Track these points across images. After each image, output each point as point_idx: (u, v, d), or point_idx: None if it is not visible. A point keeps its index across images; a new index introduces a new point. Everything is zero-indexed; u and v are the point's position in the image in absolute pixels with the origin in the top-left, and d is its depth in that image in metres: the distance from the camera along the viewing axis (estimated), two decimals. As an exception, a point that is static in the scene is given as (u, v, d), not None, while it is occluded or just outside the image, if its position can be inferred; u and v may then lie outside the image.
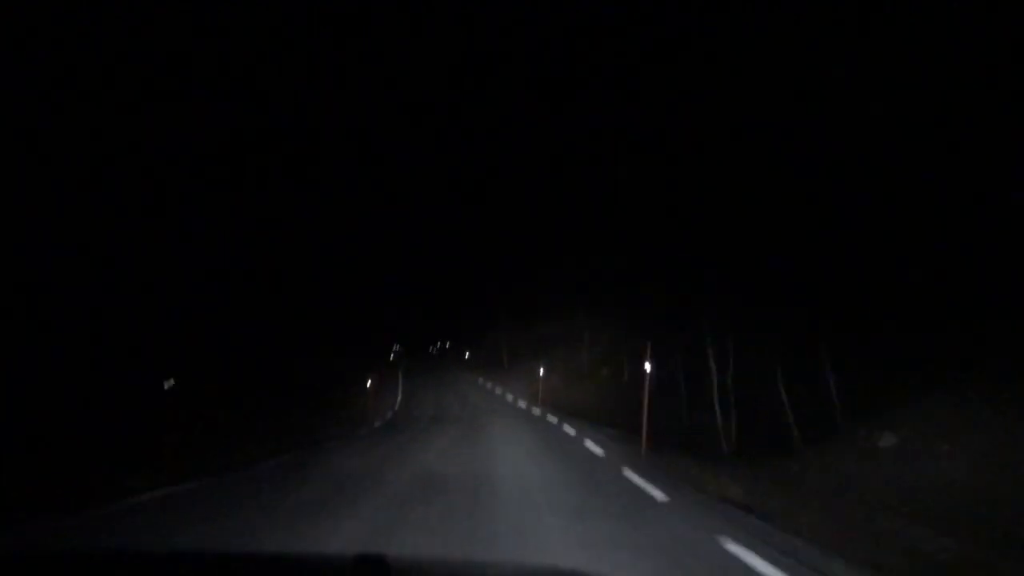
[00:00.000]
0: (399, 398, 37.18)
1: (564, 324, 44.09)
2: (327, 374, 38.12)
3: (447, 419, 24.06)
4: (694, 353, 23.89)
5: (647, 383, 12.28)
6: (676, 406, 25.70)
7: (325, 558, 2.67)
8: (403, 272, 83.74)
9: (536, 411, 25.22)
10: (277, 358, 30.99)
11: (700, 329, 21.79)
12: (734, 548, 5.20)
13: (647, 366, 12.30)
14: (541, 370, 28.74)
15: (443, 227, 79.01)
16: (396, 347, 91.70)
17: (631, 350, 33.46)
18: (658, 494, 7.86)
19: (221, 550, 4.75)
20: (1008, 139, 11.12)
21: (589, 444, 13.54)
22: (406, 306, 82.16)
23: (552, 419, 21.28)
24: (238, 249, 31.70)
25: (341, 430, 22.42)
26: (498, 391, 37.10)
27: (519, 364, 48.97)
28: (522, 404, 28.89)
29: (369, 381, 28.15)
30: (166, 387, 12.87)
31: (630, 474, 9.43)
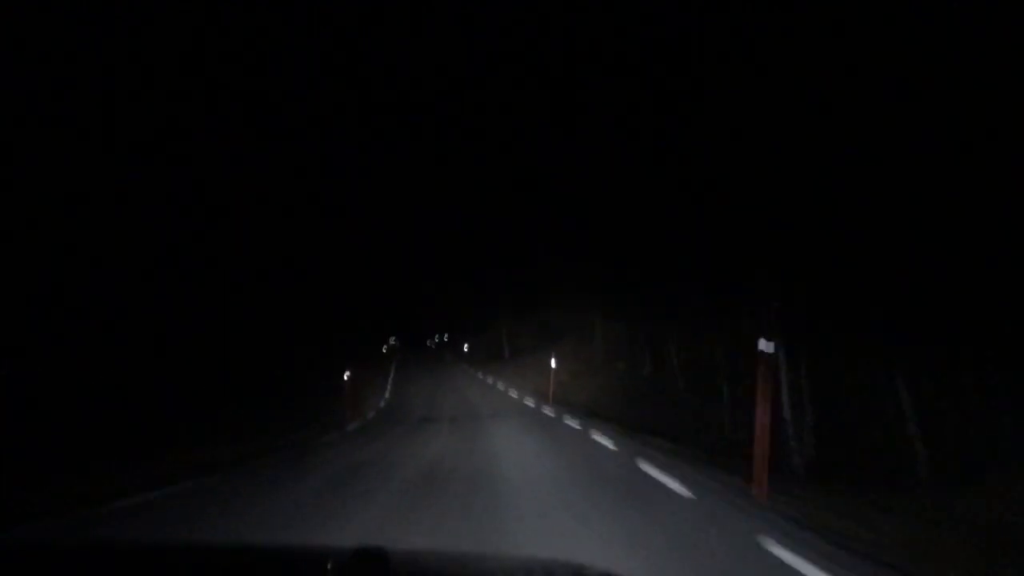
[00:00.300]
0: (387, 394, 32.45)
1: (571, 313, 39.74)
2: (305, 367, 33.43)
3: (441, 421, 19.35)
4: (744, 344, 19.66)
5: (766, 380, 7.26)
6: (706, 404, 21.16)
7: (325, 550, 2.56)
8: (400, 263, 79.17)
9: (548, 411, 20.51)
10: (232, 349, 26.28)
11: (761, 315, 17.34)
12: None
13: (765, 346, 7.25)
14: (553, 362, 23.98)
15: (440, 215, 73.85)
16: (392, 339, 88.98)
17: (657, 340, 28.98)
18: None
19: (219, 543, 4.04)
20: None
21: (652, 471, 8.77)
22: (403, 299, 78.04)
23: (572, 422, 16.57)
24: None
25: (303, 434, 17.67)
26: (500, 386, 32.37)
27: (522, 357, 44.60)
28: (529, 402, 24.17)
29: (347, 373, 23.35)
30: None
31: (791, 558, 4.67)
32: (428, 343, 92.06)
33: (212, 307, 26.87)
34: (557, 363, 26.59)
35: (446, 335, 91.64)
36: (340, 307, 50.42)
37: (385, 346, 75.87)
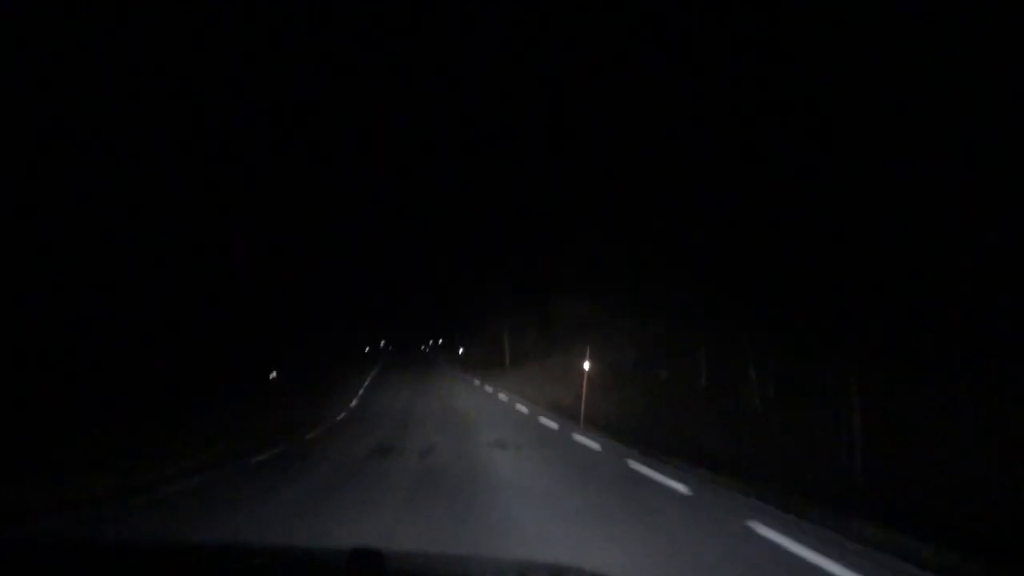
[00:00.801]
0: (353, 403, 24.71)
1: (589, 312, 32.25)
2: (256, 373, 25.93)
3: (408, 454, 11.74)
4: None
5: None
6: (789, 427, 13.68)
7: (322, 551, 2.58)
8: (392, 265, 73.44)
9: (585, 439, 12.94)
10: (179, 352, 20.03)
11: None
12: None
13: None
14: (586, 365, 16.26)
15: (442, 212, 66.98)
16: (382, 343, 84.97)
17: (714, 344, 21.67)
18: None
19: (217, 543, 4.07)
20: None
21: None
22: (394, 301, 72.31)
23: (650, 472, 8.99)
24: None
25: (179, 468, 10.05)
26: (503, 396, 24.70)
27: (527, 362, 37.08)
28: (549, 422, 16.57)
29: (272, 374, 15.84)
30: None
31: None
32: (422, 347, 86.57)
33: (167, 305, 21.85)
34: (575, 371, 19.24)
35: (440, 339, 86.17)
36: (317, 309, 44.31)
37: (368, 347, 69.51)
